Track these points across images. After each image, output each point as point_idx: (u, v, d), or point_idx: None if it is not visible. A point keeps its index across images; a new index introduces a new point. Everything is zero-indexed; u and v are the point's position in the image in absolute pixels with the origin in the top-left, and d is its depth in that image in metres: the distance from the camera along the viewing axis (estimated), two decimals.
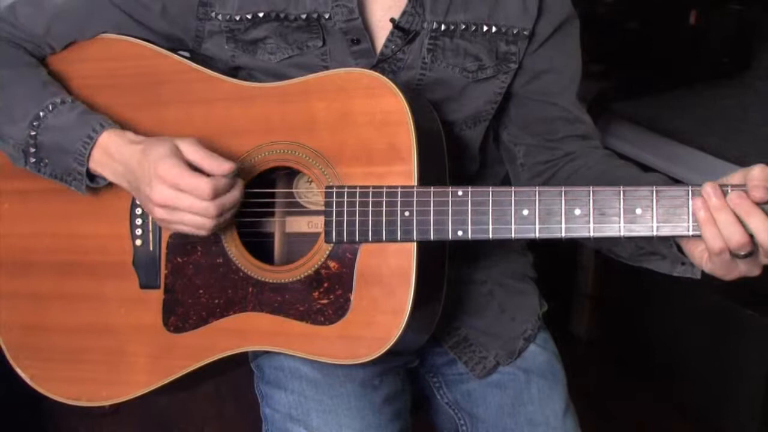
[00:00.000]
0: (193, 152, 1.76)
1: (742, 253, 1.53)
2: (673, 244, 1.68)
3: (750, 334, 3.17)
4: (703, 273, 1.68)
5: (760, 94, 3.27)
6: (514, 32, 1.91)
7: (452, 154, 1.86)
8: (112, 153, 1.81)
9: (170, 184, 1.72)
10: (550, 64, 1.95)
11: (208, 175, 1.74)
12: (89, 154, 1.81)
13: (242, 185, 1.78)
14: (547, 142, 1.98)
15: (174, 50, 1.93)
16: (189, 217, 1.74)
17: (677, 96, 3.26)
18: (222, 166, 1.74)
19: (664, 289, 3.23)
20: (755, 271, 1.58)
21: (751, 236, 1.52)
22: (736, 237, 1.52)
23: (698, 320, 3.34)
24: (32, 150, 1.85)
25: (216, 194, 1.73)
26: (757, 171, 1.53)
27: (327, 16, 1.85)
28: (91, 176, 1.85)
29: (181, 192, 1.72)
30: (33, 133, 1.84)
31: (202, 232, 1.77)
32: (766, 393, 3.13)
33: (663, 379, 3.53)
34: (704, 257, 1.61)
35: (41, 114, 1.83)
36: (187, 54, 1.94)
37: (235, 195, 1.76)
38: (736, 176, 1.57)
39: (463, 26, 1.89)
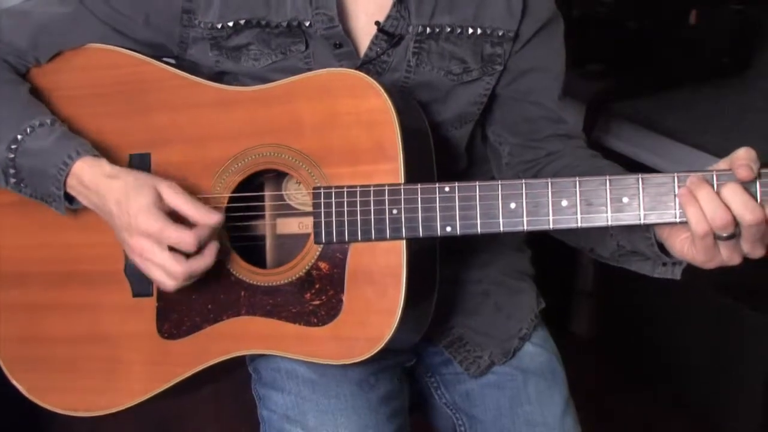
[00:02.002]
0: (176, 199, 1.76)
1: (725, 234, 1.52)
2: (654, 242, 1.67)
3: (750, 334, 3.16)
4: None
5: (760, 94, 3.25)
6: (500, 34, 1.91)
7: (439, 154, 1.85)
8: (86, 183, 1.80)
9: (152, 239, 1.73)
10: (534, 64, 1.96)
11: (189, 223, 1.75)
12: (65, 180, 1.81)
13: (215, 250, 1.78)
14: (530, 142, 1.98)
15: (159, 57, 1.93)
16: (158, 273, 1.75)
17: (677, 96, 3.23)
18: (210, 217, 1.75)
19: (664, 288, 3.21)
20: (735, 259, 1.57)
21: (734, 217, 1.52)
22: (719, 213, 1.51)
23: (698, 320, 3.32)
24: (12, 171, 1.85)
25: (199, 246, 1.74)
26: (741, 152, 1.54)
27: (308, 24, 1.85)
28: (70, 198, 1.85)
29: (158, 246, 1.73)
30: (12, 156, 1.83)
31: (167, 288, 1.78)
32: (766, 393, 3.11)
33: (663, 378, 3.52)
34: (686, 245, 1.60)
35: (19, 137, 1.82)
36: (172, 60, 1.95)
37: (205, 262, 1.78)
38: (722, 163, 1.57)
39: (449, 29, 1.89)
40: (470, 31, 1.89)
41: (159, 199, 1.75)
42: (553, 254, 2.26)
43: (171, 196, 1.76)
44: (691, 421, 3.38)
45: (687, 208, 1.53)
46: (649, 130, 3.09)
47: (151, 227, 1.73)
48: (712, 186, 1.54)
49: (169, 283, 1.76)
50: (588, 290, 3.83)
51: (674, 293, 3.07)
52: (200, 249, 1.76)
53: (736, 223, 1.52)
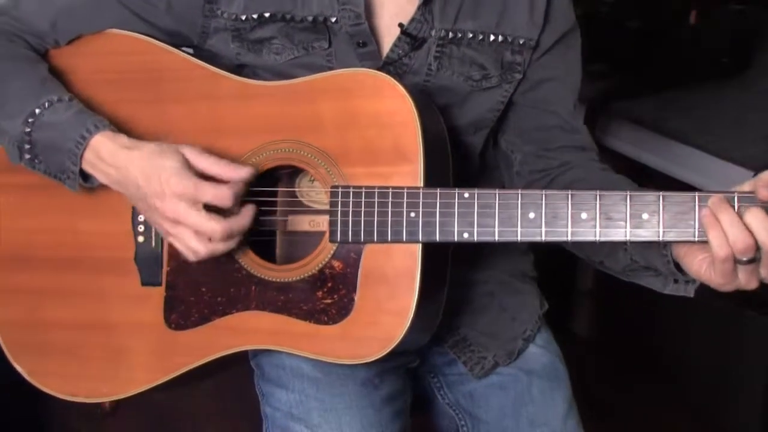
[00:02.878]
0: (203, 160, 1.76)
1: (746, 258, 1.53)
2: (671, 260, 1.67)
3: (750, 334, 3.17)
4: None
5: (760, 94, 3.27)
6: (521, 42, 1.91)
7: (453, 159, 1.85)
8: (103, 157, 1.79)
9: (187, 198, 1.71)
10: (551, 73, 1.96)
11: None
12: (82, 155, 1.80)
13: (252, 209, 1.78)
14: (543, 151, 1.98)
15: (178, 46, 1.92)
16: (190, 238, 1.73)
17: (677, 96, 3.25)
18: (240, 171, 1.75)
19: None
20: (753, 284, 1.58)
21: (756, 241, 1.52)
22: (741, 238, 1.51)
23: (699, 320, 3.34)
24: (27, 146, 1.83)
25: (236, 201, 1.73)
26: (766, 174, 1.54)
27: (334, 20, 1.84)
28: (85, 176, 1.83)
29: (193, 207, 1.71)
30: (28, 129, 1.81)
31: (191, 257, 1.76)
32: (766, 393, 3.13)
33: (663, 379, 3.54)
34: (703, 266, 1.60)
35: (37, 111, 1.81)
36: (190, 50, 1.93)
37: (245, 221, 1.76)
38: (746, 185, 1.57)
39: (471, 34, 1.89)
40: (492, 38, 1.89)
41: (186, 161, 1.74)
42: (553, 255, 2.26)
43: (197, 158, 1.76)
44: (691, 421, 3.41)
45: (709, 230, 1.54)
46: (649, 130, 3.10)
47: (186, 187, 1.71)
48: (733, 207, 1.54)
49: (201, 249, 1.73)
50: (588, 290, 3.84)
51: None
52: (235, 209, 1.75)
53: (757, 248, 1.53)
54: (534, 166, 1.99)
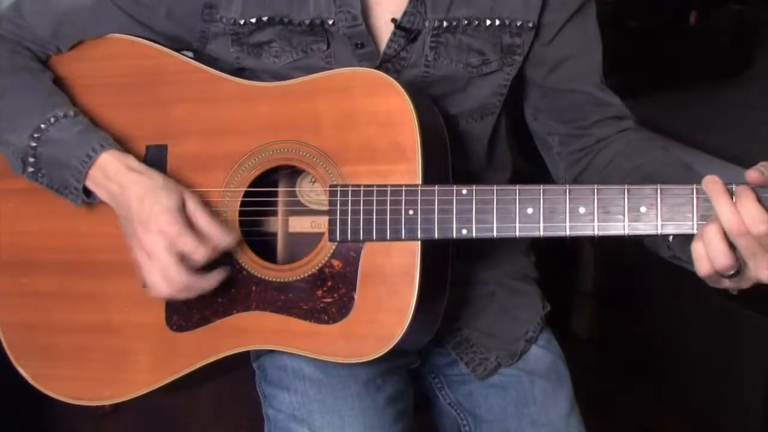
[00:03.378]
0: (198, 212, 1.79)
1: (728, 274, 1.55)
2: None
3: (750, 335, 3.17)
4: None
5: (760, 94, 3.27)
6: (518, 24, 1.90)
7: (459, 150, 1.86)
8: (109, 174, 1.81)
9: (167, 239, 1.75)
10: (569, 51, 1.94)
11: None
12: (87, 173, 1.81)
13: (221, 278, 1.81)
14: (578, 130, 1.97)
15: (178, 50, 1.93)
16: (157, 275, 1.76)
17: (677, 96, 3.25)
18: (225, 239, 1.79)
19: (664, 289, 3.23)
20: (744, 285, 1.59)
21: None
22: (721, 259, 1.53)
23: (698, 320, 3.34)
24: (31, 160, 1.84)
25: (207, 263, 1.77)
26: (761, 164, 1.55)
27: (331, 22, 1.85)
28: (87, 192, 1.85)
29: (169, 249, 1.75)
30: (33, 144, 1.83)
31: (151, 293, 1.79)
32: (766, 393, 3.13)
33: (663, 379, 3.53)
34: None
35: (43, 126, 1.82)
36: (191, 54, 1.94)
37: (208, 284, 1.80)
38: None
39: (466, 21, 1.88)
40: (488, 22, 1.88)
41: (183, 206, 1.78)
42: (553, 255, 2.27)
43: (194, 208, 1.79)
44: (691, 421, 3.40)
45: (693, 243, 1.56)
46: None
47: (170, 228, 1.75)
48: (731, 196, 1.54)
49: (162, 290, 1.77)
50: (588, 291, 3.84)
51: (674, 294, 3.09)
52: (205, 270, 1.79)
53: (740, 264, 1.54)
54: (572, 146, 1.98)
